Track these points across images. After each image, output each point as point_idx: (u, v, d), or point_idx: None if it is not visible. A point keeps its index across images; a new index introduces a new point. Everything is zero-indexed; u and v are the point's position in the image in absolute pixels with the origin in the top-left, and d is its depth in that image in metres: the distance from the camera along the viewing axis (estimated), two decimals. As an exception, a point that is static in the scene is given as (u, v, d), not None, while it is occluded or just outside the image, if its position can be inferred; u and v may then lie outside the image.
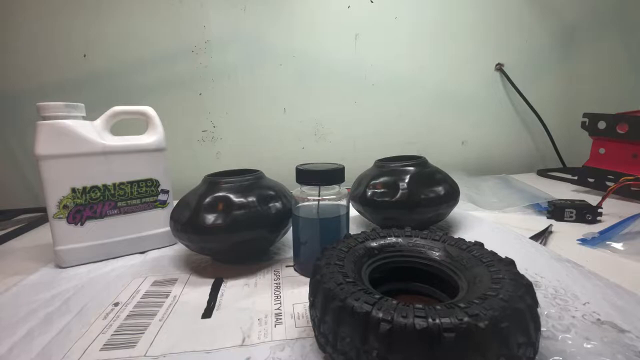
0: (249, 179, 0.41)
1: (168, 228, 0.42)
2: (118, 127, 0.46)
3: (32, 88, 0.72)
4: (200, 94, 0.78)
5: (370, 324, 0.19)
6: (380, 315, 0.19)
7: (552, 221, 0.52)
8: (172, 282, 0.38)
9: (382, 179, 0.46)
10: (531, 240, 0.45)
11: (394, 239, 0.30)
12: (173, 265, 0.42)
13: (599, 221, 0.51)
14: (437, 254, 0.29)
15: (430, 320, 0.18)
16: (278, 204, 0.40)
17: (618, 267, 0.37)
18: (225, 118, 0.80)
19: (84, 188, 0.42)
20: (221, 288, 0.36)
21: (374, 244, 0.29)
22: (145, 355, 0.26)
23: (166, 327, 0.29)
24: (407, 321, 0.18)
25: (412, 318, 0.18)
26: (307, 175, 0.36)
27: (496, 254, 0.26)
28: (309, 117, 0.84)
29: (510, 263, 0.25)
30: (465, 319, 0.18)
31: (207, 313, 0.31)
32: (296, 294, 0.34)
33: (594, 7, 0.92)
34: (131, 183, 0.45)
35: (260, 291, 0.35)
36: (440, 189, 0.45)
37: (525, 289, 0.21)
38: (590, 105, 0.83)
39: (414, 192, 0.44)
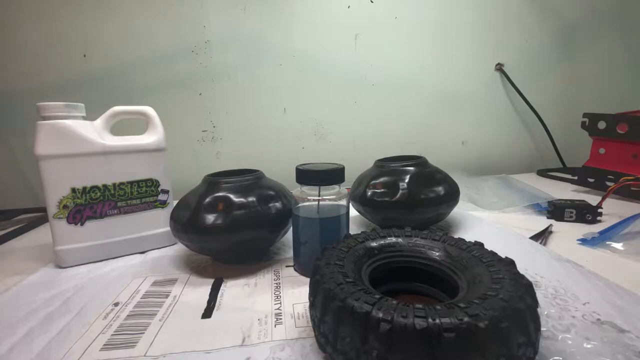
0: (249, 179, 0.41)
1: (168, 228, 0.42)
2: (118, 127, 0.46)
3: (32, 88, 0.72)
4: (200, 94, 0.78)
5: (370, 324, 0.19)
6: (380, 315, 0.19)
7: (552, 221, 0.52)
8: (172, 282, 0.38)
9: (382, 179, 0.46)
10: (531, 240, 0.45)
11: (394, 239, 0.30)
12: (173, 265, 0.42)
13: (599, 221, 0.51)
14: (437, 254, 0.29)
15: (430, 320, 0.18)
16: (278, 204, 0.40)
17: (618, 267, 0.37)
18: (225, 118, 0.80)
19: (84, 188, 0.42)
20: (221, 288, 0.36)
21: (374, 244, 0.29)
22: (145, 355, 0.26)
23: (166, 327, 0.29)
24: (407, 321, 0.18)
25: (412, 318, 0.18)
26: (307, 175, 0.36)
27: (496, 254, 0.26)
28: (309, 117, 0.84)
29: (510, 263, 0.25)
30: (465, 319, 0.18)
31: (207, 313, 0.31)
32: (296, 294, 0.34)
33: (594, 7, 0.92)
34: (131, 183, 0.45)
35: (260, 291, 0.35)
36: (440, 189, 0.45)
37: (525, 289, 0.21)
38: (590, 105, 0.83)
39: (414, 192, 0.44)
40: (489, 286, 0.22)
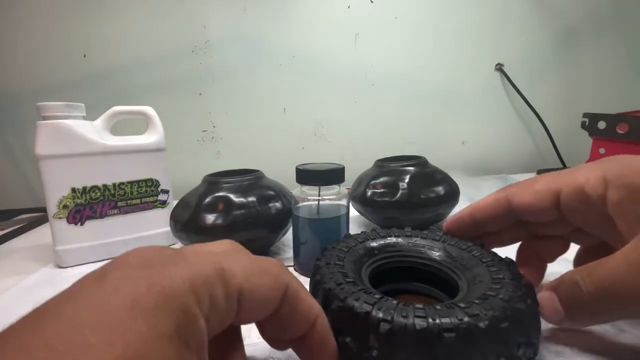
0: (249, 179, 0.41)
1: (168, 228, 0.42)
2: (118, 127, 0.46)
3: (32, 88, 0.72)
4: (200, 94, 0.78)
5: (371, 324, 0.19)
6: (381, 315, 0.19)
7: (552, 221, 0.52)
8: (172, 282, 0.38)
9: (382, 179, 0.46)
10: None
11: (394, 239, 0.30)
12: (173, 265, 0.42)
13: (599, 221, 0.51)
14: (437, 253, 0.29)
15: (430, 320, 0.18)
16: (278, 204, 0.40)
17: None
18: (225, 118, 0.80)
19: (84, 188, 0.42)
20: (221, 288, 0.36)
21: (374, 244, 0.29)
22: (145, 355, 0.26)
23: (166, 327, 0.29)
24: (407, 321, 0.18)
25: (412, 318, 0.18)
26: (307, 175, 0.36)
27: (496, 254, 0.26)
28: (309, 117, 0.84)
29: (510, 263, 0.25)
30: (466, 319, 0.18)
31: (207, 313, 0.31)
32: (296, 294, 0.34)
33: (594, 7, 0.92)
34: (131, 183, 0.45)
35: (260, 291, 0.35)
36: (440, 189, 0.45)
37: (525, 289, 0.21)
38: (590, 105, 0.83)
39: (414, 192, 0.44)
40: (489, 286, 0.22)
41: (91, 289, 0.13)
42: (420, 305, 0.19)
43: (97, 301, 0.12)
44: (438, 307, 0.19)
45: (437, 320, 0.18)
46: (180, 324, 0.12)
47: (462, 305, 0.19)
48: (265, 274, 0.17)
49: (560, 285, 0.22)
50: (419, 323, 0.18)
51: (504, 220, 0.28)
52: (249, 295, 0.16)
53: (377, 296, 0.20)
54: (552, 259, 0.29)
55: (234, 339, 0.20)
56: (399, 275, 0.29)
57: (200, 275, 0.14)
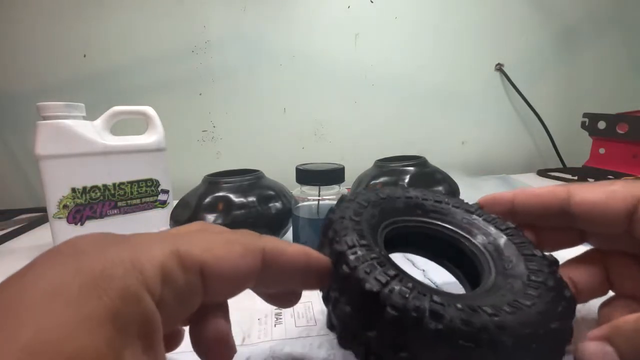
0: (249, 179, 0.41)
1: (168, 228, 0.42)
2: (118, 127, 0.46)
3: (32, 88, 0.72)
4: (200, 94, 0.78)
5: (348, 284, 0.17)
6: (361, 275, 0.17)
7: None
8: (172, 282, 0.38)
9: (382, 179, 0.46)
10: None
11: (450, 207, 0.26)
12: (173, 265, 0.42)
13: (599, 221, 0.51)
14: (486, 241, 0.23)
15: (407, 304, 0.15)
16: (278, 204, 0.40)
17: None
18: (225, 118, 0.80)
19: (84, 188, 0.42)
20: (221, 288, 0.36)
21: (421, 202, 0.26)
22: (145, 355, 0.26)
23: (166, 327, 0.29)
24: (381, 289, 0.16)
25: (387, 288, 0.16)
26: (307, 175, 0.36)
27: (559, 281, 0.19)
28: (309, 117, 0.84)
29: (569, 299, 0.18)
30: (437, 308, 0.15)
31: (207, 313, 0.31)
32: (296, 293, 0.34)
33: (594, 7, 0.92)
34: (131, 183, 0.45)
35: (260, 291, 0.35)
36: (440, 189, 0.45)
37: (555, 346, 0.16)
38: (590, 105, 0.83)
39: (414, 192, 0.44)
40: (501, 306, 0.16)
41: (12, 282, 0.12)
42: (409, 284, 0.16)
43: (13, 294, 0.11)
44: (423, 293, 0.16)
45: (412, 305, 0.15)
46: (117, 308, 0.11)
47: (437, 300, 0.16)
48: (233, 244, 0.16)
49: (619, 331, 0.17)
50: (393, 304, 0.15)
51: (551, 217, 0.23)
52: (215, 267, 0.15)
53: (373, 255, 0.18)
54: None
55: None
56: (432, 245, 0.26)
57: (146, 254, 0.13)
